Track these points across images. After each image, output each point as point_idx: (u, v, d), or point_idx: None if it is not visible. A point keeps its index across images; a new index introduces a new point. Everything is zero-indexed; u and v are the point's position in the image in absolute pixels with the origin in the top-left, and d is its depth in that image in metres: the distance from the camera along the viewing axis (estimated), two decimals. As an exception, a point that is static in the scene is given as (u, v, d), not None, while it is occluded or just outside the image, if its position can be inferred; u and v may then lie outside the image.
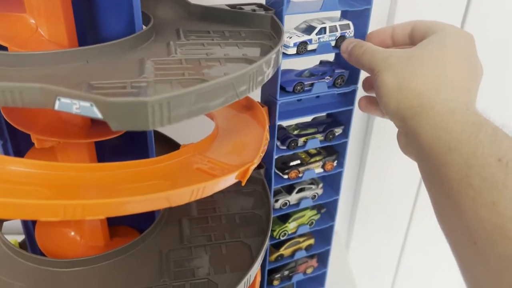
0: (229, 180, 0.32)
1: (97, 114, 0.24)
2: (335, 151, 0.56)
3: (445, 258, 0.71)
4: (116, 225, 0.48)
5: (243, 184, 0.33)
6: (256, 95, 0.45)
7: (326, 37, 0.46)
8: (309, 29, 0.46)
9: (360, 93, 0.51)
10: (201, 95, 0.26)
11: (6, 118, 0.36)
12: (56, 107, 0.24)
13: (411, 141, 0.39)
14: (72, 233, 0.44)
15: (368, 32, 0.47)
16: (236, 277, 0.39)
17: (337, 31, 0.46)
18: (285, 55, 0.45)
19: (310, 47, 0.45)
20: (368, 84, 0.51)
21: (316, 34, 0.45)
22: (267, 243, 0.43)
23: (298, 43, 0.44)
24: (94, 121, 0.39)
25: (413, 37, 0.44)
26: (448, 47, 0.39)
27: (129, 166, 0.32)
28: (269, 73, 0.33)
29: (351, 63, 0.45)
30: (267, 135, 0.40)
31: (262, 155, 0.37)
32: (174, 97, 0.24)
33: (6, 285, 0.37)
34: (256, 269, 0.40)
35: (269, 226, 0.44)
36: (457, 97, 0.36)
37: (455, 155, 0.33)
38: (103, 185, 0.29)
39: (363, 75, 0.49)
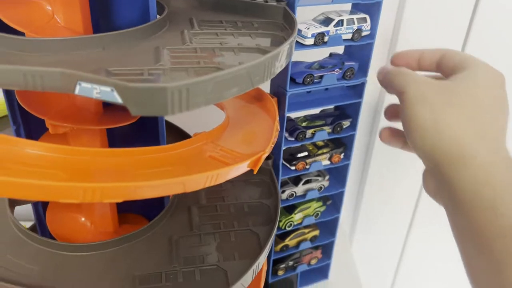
0: (242, 168, 0.32)
1: (117, 99, 0.24)
2: (342, 144, 0.57)
3: (447, 255, 0.72)
4: (125, 212, 0.49)
5: (255, 172, 0.34)
6: (265, 86, 0.46)
7: (343, 30, 0.46)
8: (326, 21, 0.46)
9: (369, 86, 0.51)
10: (217, 83, 0.26)
11: (20, 103, 0.37)
12: (77, 91, 0.25)
13: (443, 187, 0.36)
14: (83, 219, 0.45)
15: (395, 53, 0.44)
16: (244, 264, 0.39)
17: (354, 24, 0.47)
18: (302, 45, 0.46)
19: (326, 39, 0.46)
20: (392, 112, 0.45)
21: (334, 26, 0.45)
22: (275, 232, 0.43)
23: (315, 34, 0.44)
24: (106, 108, 0.39)
25: (441, 66, 0.40)
26: (483, 88, 0.36)
27: (143, 152, 0.32)
28: (282, 63, 0.33)
29: (382, 85, 0.42)
30: (277, 125, 0.40)
31: (273, 145, 0.38)
32: (193, 84, 0.25)
33: (18, 267, 0.38)
34: (264, 257, 0.41)
35: (277, 215, 0.45)
36: (499, 149, 0.34)
37: (498, 216, 0.31)
38: (118, 170, 0.29)
39: (373, 68, 0.50)
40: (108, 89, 0.24)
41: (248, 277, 0.38)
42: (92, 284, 0.36)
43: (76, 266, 0.38)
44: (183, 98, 0.24)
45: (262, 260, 0.40)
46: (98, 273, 0.38)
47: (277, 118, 0.41)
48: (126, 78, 0.25)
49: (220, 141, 0.37)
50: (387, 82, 0.40)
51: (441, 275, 0.80)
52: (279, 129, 0.41)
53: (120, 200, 0.27)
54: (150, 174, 0.29)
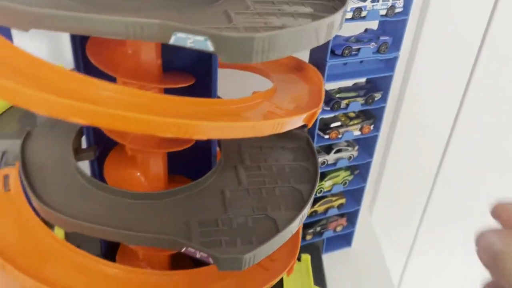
0: (298, 120, 0.36)
1: (209, 47, 0.28)
2: (372, 116, 0.61)
3: (465, 228, 0.75)
4: (173, 174, 0.53)
5: (309, 126, 0.38)
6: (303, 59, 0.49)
7: (378, 5, 0.50)
8: (364, -3, 0.50)
9: (401, 61, 0.55)
10: (292, 37, 0.30)
11: (92, 61, 0.40)
12: (171, 41, 0.29)
13: None
14: (138, 174, 0.49)
15: (497, 203, 0.32)
16: (291, 214, 0.43)
17: (388, 0, 0.50)
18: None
19: (363, 13, 0.49)
20: None
21: (371, 1, 0.49)
22: (315, 190, 0.47)
23: (354, 8, 0.48)
24: (165, 71, 0.43)
25: None
26: None
27: (212, 103, 0.36)
28: (337, 29, 0.37)
29: (482, 261, 0.28)
30: (323, 88, 0.44)
31: (321, 106, 0.42)
32: (274, 36, 0.28)
33: (83, 213, 0.41)
34: (307, 210, 0.45)
35: (317, 175, 0.48)
36: None
37: None
38: (195, 115, 0.33)
39: (406, 42, 0.53)
40: (202, 38, 0.28)
41: (295, 225, 0.42)
42: (154, 227, 0.40)
43: (137, 212, 0.42)
44: (265, 47, 0.28)
45: (306, 212, 0.44)
46: (158, 219, 0.41)
47: (323, 81, 0.45)
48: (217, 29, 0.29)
49: (274, 100, 0.41)
50: (493, 261, 0.28)
51: (458, 249, 0.84)
52: (324, 92, 0.45)
53: (205, 138, 0.31)
54: (224, 119, 0.33)
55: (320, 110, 0.39)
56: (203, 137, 0.31)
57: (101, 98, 0.33)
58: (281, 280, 0.61)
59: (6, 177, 0.45)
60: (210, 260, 0.38)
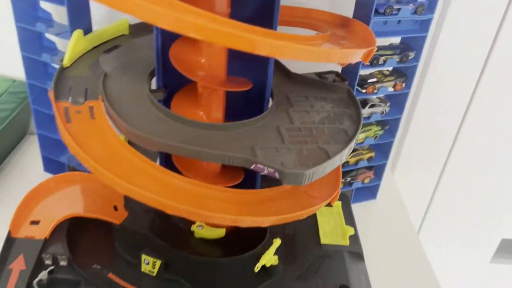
0: (358, 54, 0.42)
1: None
2: (404, 74, 0.67)
3: (486, 181, 0.80)
4: (229, 120, 0.59)
5: (365, 62, 0.44)
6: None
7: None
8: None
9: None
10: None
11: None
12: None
13: None
14: (201, 113, 0.56)
15: None
16: (339, 147, 0.49)
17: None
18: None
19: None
20: None
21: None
22: (359, 131, 0.53)
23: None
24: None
25: None
26: None
27: (290, 37, 0.41)
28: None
29: None
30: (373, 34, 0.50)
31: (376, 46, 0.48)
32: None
33: (163, 136, 0.47)
34: (353, 145, 0.51)
35: (360, 118, 0.54)
36: None
37: None
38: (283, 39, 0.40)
39: (440, 5, 0.59)
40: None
41: (344, 154, 0.49)
42: (227, 149, 0.47)
43: (209, 139, 0.48)
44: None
45: (352, 146, 0.51)
46: (229, 144, 0.48)
47: (370, 30, 0.51)
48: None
49: (333, 41, 0.47)
50: None
51: (479, 204, 0.91)
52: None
53: (291, 59, 0.37)
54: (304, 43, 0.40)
55: (375, 49, 0.45)
56: (292, 57, 0.37)
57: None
58: (316, 220, 0.68)
59: (91, 108, 0.52)
60: (276, 175, 0.44)
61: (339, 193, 0.53)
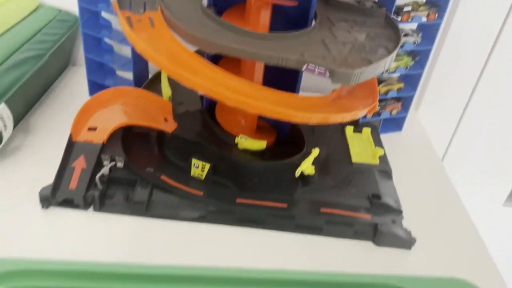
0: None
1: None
2: (437, 5, 0.70)
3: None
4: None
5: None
6: None
7: None
8: None
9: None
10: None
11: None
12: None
13: None
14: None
15: None
16: (381, 57, 0.53)
17: None
18: None
19: None
20: None
21: None
22: (399, 45, 0.57)
23: None
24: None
25: None
26: None
27: None
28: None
29: None
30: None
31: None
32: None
33: (216, 44, 0.51)
34: (392, 57, 0.55)
35: (399, 36, 0.58)
36: None
37: None
38: None
39: None
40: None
41: (386, 61, 0.53)
42: (279, 53, 0.51)
43: (263, 46, 0.52)
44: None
45: (391, 58, 0.54)
46: (281, 49, 0.51)
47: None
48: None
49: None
50: None
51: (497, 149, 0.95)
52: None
53: None
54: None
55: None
56: None
57: None
58: (347, 144, 0.72)
59: (150, 18, 0.56)
60: (327, 74, 0.48)
61: (376, 105, 0.57)
